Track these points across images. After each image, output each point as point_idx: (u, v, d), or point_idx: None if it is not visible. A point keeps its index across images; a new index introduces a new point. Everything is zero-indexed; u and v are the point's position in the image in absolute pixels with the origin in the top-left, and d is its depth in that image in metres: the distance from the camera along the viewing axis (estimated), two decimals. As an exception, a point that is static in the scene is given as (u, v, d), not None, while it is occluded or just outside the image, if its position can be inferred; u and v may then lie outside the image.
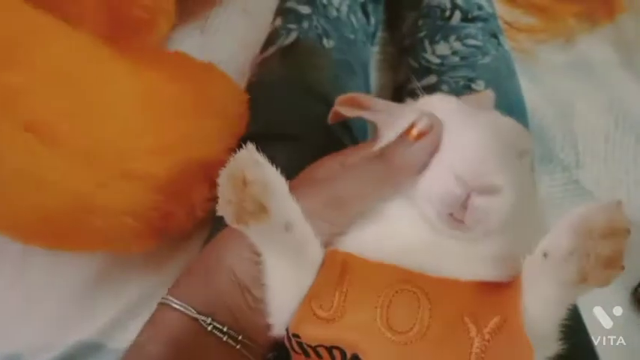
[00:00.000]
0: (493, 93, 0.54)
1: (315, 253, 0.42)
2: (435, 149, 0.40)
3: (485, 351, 0.36)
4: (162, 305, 0.46)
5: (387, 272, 0.40)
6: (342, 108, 0.54)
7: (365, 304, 0.39)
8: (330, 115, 0.57)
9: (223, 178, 0.36)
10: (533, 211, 0.44)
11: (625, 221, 0.33)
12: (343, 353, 0.39)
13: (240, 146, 0.38)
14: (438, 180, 0.39)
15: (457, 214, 0.38)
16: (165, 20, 0.88)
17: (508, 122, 0.44)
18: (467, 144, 0.39)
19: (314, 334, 0.40)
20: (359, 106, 0.54)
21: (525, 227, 0.41)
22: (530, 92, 0.98)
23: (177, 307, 0.45)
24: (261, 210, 0.36)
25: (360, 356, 0.38)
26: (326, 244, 0.43)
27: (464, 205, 0.38)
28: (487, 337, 0.36)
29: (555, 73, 1.06)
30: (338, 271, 0.41)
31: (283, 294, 0.42)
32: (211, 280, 0.46)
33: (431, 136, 0.40)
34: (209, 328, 0.44)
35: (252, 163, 0.36)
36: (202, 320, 0.44)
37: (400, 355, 0.37)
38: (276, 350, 0.47)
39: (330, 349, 0.40)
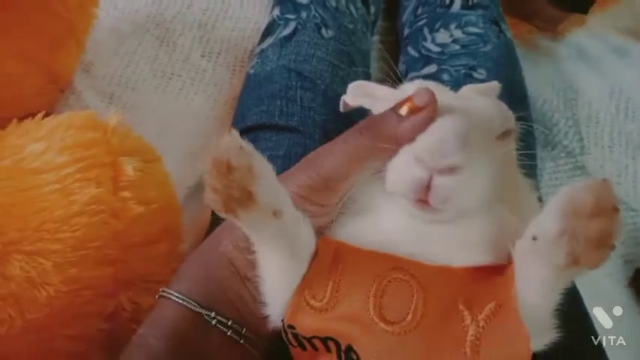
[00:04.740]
0: (499, 84, 0.53)
1: (308, 241, 0.41)
2: (426, 126, 0.38)
3: (480, 338, 0.36)
4: (164, 298, 0.46)
5: (380, 260, 0.40)
6: (348, 96, 0.53)
7: (357, 293, 0.39)
8: (341, 104, 0.55)
9: (208, 166, 0.35)
10: (515, 187, 0.43)
11: (613, 199, 0.32)
12: (338, 344, 0.39)
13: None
14: (402, 165, 0.39)
15: (423, 196, 0.37)
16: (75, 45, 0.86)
17: (487, 104, 0.42)
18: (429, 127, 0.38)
19: (308, 324, 0.40)
20: (363, 93, 0.52)
21: (511, 207, 0.40)
22: (533, 78, 0.97)
23: (179, 300, 0.45)
24: (248, 197, 0.35)
25: (354, 347, 0.38)
26: (317, 232, 0.42)
27: (429, 186, 0.37)
28: (482, 323, 0.36)
29: (557, 59, 1.05)
30: (330, 260, 0.40)
31: (278, 284, 0.41)
32: (212, 274, 0.46)
33: (426, 112, 0.38)
34: (213, 322, 0.44)
35: (237, 149, 0.35)
36: (206, 314, 0.44)
37: (394, 345, 0.37)
38: (278, 344, 0.46)
39: (324, 340, 0.39)
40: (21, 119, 0.64)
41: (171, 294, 0.45)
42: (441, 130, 0.37)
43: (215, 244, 0.47)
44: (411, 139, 0.38)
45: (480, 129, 0.39)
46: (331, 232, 0.43)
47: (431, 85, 0.44)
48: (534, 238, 0.35)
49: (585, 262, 0.33)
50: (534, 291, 0.36)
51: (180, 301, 0.45)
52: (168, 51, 0.96)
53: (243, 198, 0.35)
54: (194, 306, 0.44)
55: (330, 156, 0.42)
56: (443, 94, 0.42)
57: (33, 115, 0.64)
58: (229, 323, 0.44)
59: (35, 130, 0.61)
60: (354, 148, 0.41)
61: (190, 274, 0.48)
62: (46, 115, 0.64)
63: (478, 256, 0.39)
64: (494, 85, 0.53)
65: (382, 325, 0.37)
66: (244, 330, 0.45)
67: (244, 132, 0.75)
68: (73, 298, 0.55)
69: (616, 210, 0.32)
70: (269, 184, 0.37)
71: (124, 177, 0.61)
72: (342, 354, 0.39)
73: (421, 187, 0.37)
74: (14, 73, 0.77)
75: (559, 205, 0.33)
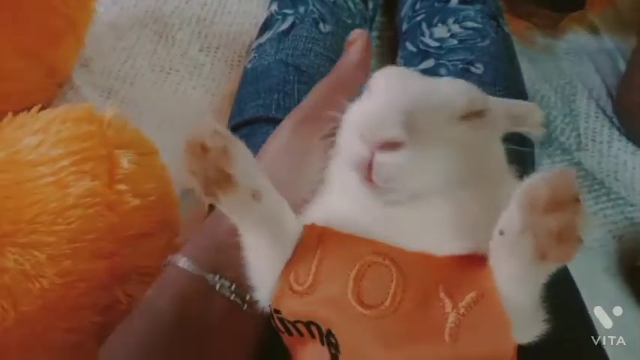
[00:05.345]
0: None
1: (291, 224, 0.41)
2: (365, 49, 0.52)
3: (460, 325, 0.35)
4: (170, 264, 0.47)
5: (361, 245, 0.39)
6: None
7: (338, 277, 0.38)
8: None
9: (184, 150, 0.35)
10: (491, 176, 0.41)
11: (572, 190, 0.31)
12: (320, 329, 0.39)
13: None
14: (348, 143, 0.38)
15: (368, 175, 0.37)
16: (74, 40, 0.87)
17: (450, 83, 0.42)
18: (374, 103, 0.38)
19: (291, 309, 0.40)
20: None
21: (479, 191, 0.39)
22: (531, 74, 0.97)
23: (184, 265, 0.46)
24: (226, 179, 0.35)
25: (333, 331, 0.38)
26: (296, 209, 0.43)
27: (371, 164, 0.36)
28: (462, 311, 0.35)
29: (556, 56, 1.05)
30: (314, 245, 0.40)
31: (264, 268, 0.41)
32: (217, 242, 0.47)
33: (360, 41, 0.53)
34: (217, 286, 0.45)
35: (211, 131, 0.35)
36: (210, 278, 0.45)
37: (371, 329, 0.36)
38: None
39: (307, 325, 0.39)
40: (17, 113, 0.64)
41: (178, 258, 0.46)
42: (381, 103, 0.37)
43: (222, 215, 0.48)
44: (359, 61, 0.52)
45: (435, 106, 0.38)
46: (305, 214, 0.44)
47: (397, 69, 0.44)
48: (501, 233, 0.34)
49: (554, 257, 0.32)
50: (510, 283, 0.35)
51: (185, 266, 0.46)
52: (167, 46, 0.97)
53: (221, 180, 0.35)
54: (197, 270, 0.45)
55: (313, 92, 0.53)
56: (408, 75, 0.42)
57: (29, 109, 0.65)
58: (232, 287, 0.45)
59: (31, 123, 0.62)
60: (327, 81, 0.52)
61: (199, 240, 0.49)
62: (42, 109, 0.65)
63: (454, 244, 0.39)
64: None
65: (360, 308, 0.37)
66: (247, 296, 0.45)
67: (241, 125, 0.75)
68: (67, 290, 0.55)
69: (577, 201, 0.31)
70: (246, 165, 0.37)
71: (120, 170, 0.61)
72: (324, 339, 0.39)
73: (364, 165, 0.36)
74: (13, 68, 0.77)
75: (519, 199, 0.32)
